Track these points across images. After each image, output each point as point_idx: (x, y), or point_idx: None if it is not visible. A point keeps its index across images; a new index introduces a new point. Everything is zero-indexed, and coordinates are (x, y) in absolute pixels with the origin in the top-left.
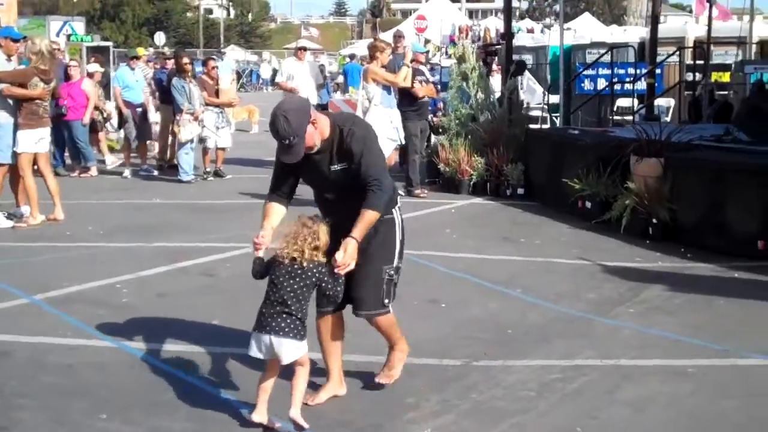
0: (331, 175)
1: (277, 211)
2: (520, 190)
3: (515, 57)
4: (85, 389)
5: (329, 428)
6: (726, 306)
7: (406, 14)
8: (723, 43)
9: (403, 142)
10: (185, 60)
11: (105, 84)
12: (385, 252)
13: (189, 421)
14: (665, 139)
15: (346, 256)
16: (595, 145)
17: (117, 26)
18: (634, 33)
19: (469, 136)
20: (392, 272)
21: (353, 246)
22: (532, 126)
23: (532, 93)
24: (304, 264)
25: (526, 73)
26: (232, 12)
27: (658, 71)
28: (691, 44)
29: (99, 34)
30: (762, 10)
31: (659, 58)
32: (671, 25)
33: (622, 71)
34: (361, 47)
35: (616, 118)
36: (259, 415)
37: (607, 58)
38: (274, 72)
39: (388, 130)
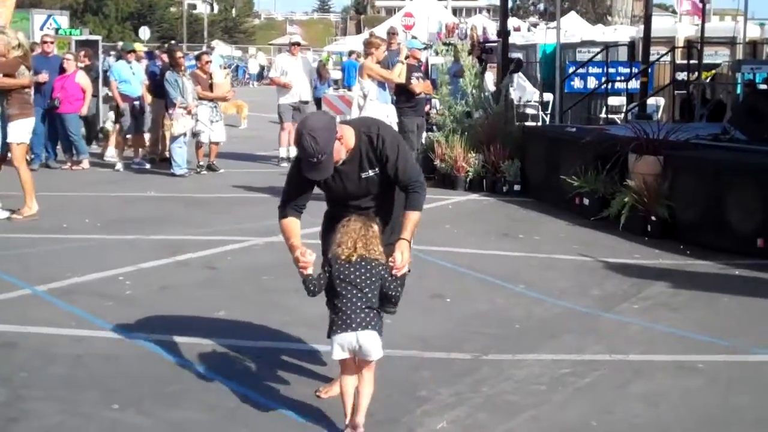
0: (361, 183)
1: (298, 225)
2: (517, 187)
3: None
4: (95, 380)
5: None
6: (729, 303)
7: (390, 11)
8: (714, 43)
9: None
10: (179, 54)
11: (95, 78)
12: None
13: (200, 411)
14: (664, 137)
15: (404, 259)
16: (593, 142)
17: (100, 20)
18: (623, 32)
19: (465, 133)
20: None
21: (407, 248)
22: (528, 123)
23: (522, 90)
24: (370, 259)
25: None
26: (216, 7)
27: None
28: (681, 44)
29: (84, 28)
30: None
31: (652, 58)
32: (661, 24)
33: (612, 70)
34: (345, 44)
35: (609, 116)
36: (358, 419)
37: (599, 57)
38: (261, 68)
39: None
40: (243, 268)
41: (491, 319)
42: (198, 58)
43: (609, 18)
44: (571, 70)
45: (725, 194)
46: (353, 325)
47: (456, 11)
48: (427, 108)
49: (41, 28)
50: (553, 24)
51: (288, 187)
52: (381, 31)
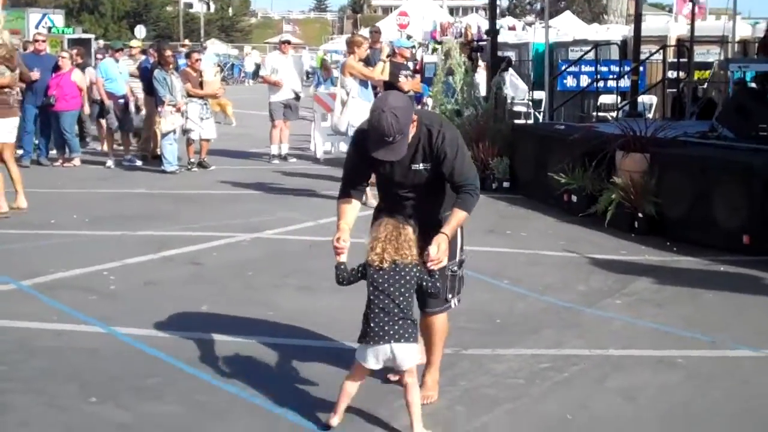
0: (409, 174)
1: (355, 206)
2: (506, 184)
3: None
4: (74, 374)
5: (324, 414)
6: (713, 299)
7: (387, 10)
8: (705, 42)
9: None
10: (168, 53)
11: None
12: (449, 249)
13: (178, 404)
14: (651, 135)
15: (440, 252)
16: (581, 140)
17: (96, 19)
18: (616, 31)
19: None
20: (455, 268)
21: (446, 241)
22: (519, 121)
23: (515, 89)
24: (403, 265)
25: (510, 69)
26: (213, 6)
27: (641, 69)
28: (673, 43)
29: (79, 27)
30: (741, 10)
31: (643, 56)
32: (654, 23)
33: (605, 68)
34: (341, 43)
35: (599, 114)
36: (339, 419)
37: (590, 56)
38: (257, 66)
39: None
40: (228, 263)
41: (473, 314)
42: (188, 55)
43: (605, 17)
44: (563, 68)
45: (712, 191)
46: (386, 337)
47: (452, 10)
48: (419, 106)
49: (36, 27)
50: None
51: (347, 169)
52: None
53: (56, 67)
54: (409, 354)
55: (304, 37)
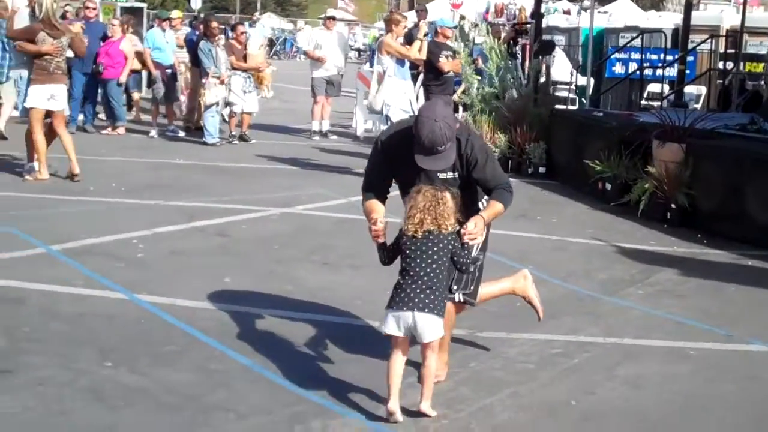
0: (436, 182)
1: (381, 205)
2: (542, 169)
3: (547, 37)
4: (93, 338)
5: (332, 391)
6: (736, 293)
7: None
8: (759, 33)
9: (416, 113)
10: (214, 24)
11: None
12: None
13: (191, 372)
14: (689, 125)
15: (477, 227)
16: (619, 127)
17: None
18: (669, 19)
19: (493, 114)
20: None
21: (482, 222)
22: (557, 106)
23: (563, 70)
24: (438, 232)
25: (560, 51)
26: None
27: (691, 58)
28: (725, 32)
29: None
30: None
31: (691, 45)
32: (707, 12)
33: (654, 56)
34: None
35: (645, 102)
36: (395, 405)
37: (636, 42)
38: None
39: (401, 101)
40: (255, 237)
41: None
42: (233, 28)
43: (664, 4)
44: (610, 54)
45: (746, 184)
46: (410, 304)
47: None
48: (461, 88)
49: None
50: (603, 8)
51: (370, 174)
52: (433, 8)
53: (105, 36)
54: (431, 325)
55: (359, 14)
